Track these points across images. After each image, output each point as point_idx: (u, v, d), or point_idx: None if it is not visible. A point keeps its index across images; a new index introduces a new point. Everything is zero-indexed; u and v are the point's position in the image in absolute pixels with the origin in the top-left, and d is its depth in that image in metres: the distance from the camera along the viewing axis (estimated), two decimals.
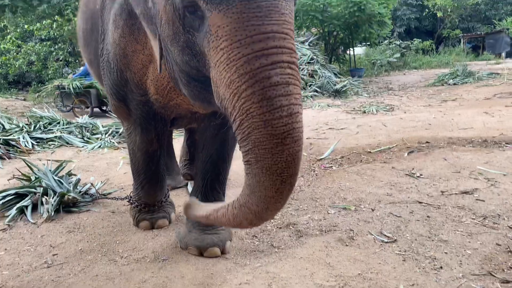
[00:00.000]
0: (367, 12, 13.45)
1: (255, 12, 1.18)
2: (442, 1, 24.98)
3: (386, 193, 2.92)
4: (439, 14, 25.84)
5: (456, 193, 2.84)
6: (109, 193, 3.18)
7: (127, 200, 2.59)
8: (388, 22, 14.77)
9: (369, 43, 16.91)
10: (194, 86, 1.50)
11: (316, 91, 10.22)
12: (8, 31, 17.29)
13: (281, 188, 1.22)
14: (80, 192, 3.05)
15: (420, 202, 2.72)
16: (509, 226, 2.29)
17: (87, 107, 8.73)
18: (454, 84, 10.82)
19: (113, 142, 5.13)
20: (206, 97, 1.49)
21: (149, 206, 2.50)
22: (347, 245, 2.19)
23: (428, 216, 2.49)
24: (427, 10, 26.70)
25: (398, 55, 18.25)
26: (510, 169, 3.26)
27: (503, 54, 22.19)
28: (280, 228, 2.47)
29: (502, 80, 10.09)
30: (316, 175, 3.54)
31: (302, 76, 10.96)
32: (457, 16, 26.50)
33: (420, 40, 22.44)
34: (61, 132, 5.49)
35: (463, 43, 25.88)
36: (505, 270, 1.89)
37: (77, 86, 8.57)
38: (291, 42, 1.23)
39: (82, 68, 10.36)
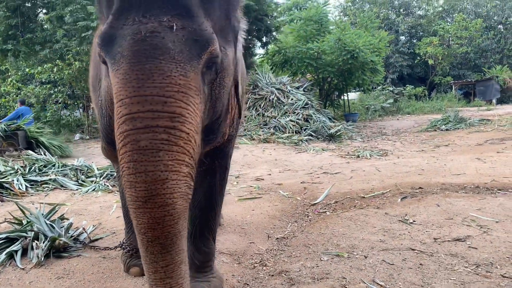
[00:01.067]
0: (360, 60, 13.89)
1: (137, 74, 1.22)
2: (433, 50, 25.90)
3: (379, 240, 2.91)
4: (430, 62, 26.71)
5: (449, 240, 2.83)
6: (101, 238, 3.15)
7: (119, 246, 2.56)
8: (380, 69, 15.24)
9: (362, 89, 17.33)
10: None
11: (311, 135, 10.36)
12: (9, 74, 17.63)
13: (150, 249, 1.25)
14: (71, 236, 3.02)
15: (413, 249, 2.71)
16: (502, 275, 2.28)
17: (16, 150, 8.72)
18: (447, 129, 11.01)
19: (107, 185, 5.13)
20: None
21: None
22: None
23: (421, 264, 2.48)
24: (418, 58, 27.61)
25: (391, 100, 18.68)
26: (502, 216, 3.27)
27: (494, 101, 22.74)
28: (272, 275, 2.45)
29: (493, 127, 10.29)
30: (309, 220, 3.54)
31: (297, 120, 11.14)
32: (448, 63, 27.38)
33: (413, 86, 23.06)
34: (56, 175, 5.49)
35: (455, 89, 26.57)
36: None
37: (4, 129, 8.67)
38: (176, 105, 1.24)
39: (12, 112, 10.76)
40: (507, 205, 3.51)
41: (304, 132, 10.59)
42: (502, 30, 29.38)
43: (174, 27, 1.27)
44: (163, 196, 1.20)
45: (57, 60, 13.85)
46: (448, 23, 28.84)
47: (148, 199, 1.19)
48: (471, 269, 2.37)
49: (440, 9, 31.58)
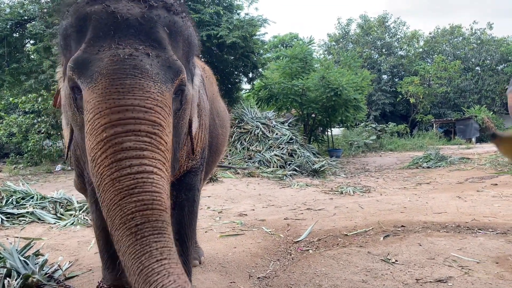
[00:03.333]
0: (343, 97, 14.20)
1: (117, 88, 1.29)
2: (414, 89, 26.69)
3: (361, 280, 2.88)
4: (412, 100, 27.46)
5: (431, 281, 2.82)
6: (77, 276, 3.04)
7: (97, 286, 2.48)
8: (363, 107, 15.57)
9: (346, 125, 17.63)
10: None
11: (295, 170, 10.38)
12: None
13: (141, 232, 1.17)
14: (46, 274, 2.91)
15: None
16: None
17: None
18: (428, 167, 11.18)
19: (87, 220, 5.00)
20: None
21: None
22: None
23: None
24: (400, 96, 28.37)
25: (374, 137, 18.98)
26: (483, 256, 3.29)
27: (473, 139, 23.34)
28: None
29: (473, 165, 10.49)
30: (292, 258, 3.50)
31: (282, 154, 11.20)
32: (429, 102, 28.19)
33: (395, 123, 23.56)
34: (33, 208, 5.34)
35: (436, 127, 27.23)
36: None
37: None
38: (155, 116, 1.30)
39: None
40: (487, 245, 3.54)
41: (288, 167, 10.62)
42: (480, 71, 30.57)
43: (150, 54, 1.37)
44: (150, 184, 1.21)
45: (42, 90, 13.79)
46: (429, 64, 29.90)
47: (135, 186, 1.19)
48: None
49: (421, 50, 32.81)
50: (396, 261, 3.27)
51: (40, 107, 14.88)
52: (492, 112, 26.01)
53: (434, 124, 27.69)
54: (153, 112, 1.30)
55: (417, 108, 28.39)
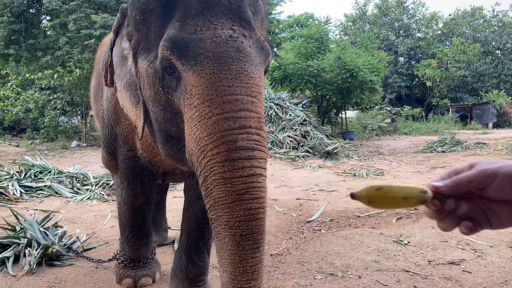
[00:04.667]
0: (359, 79, 14.02)
1: (226, 74, 1.28)
2: (431, 72, 26.19)
3: (373, 260, 2.91)
4: (428, 84, 26.98)
5: (443, 263, 2.83)
6: (94, 248, 3.13)
7: (113, 258, 2.55)
8: (379, 89, 15.38)
9: (360, 107, 17.45)
10: (172, 144, 1.55)
11: (308, 151, 10.37)
12: (9, 78, 17.66)
13: (242, 244, 1.23)
14: (65, 245, 2.99)
15: (407, 271, 2.70)
16: None
17: None
18: (443, 151, 11.06)
19: (103, 194, 5.11)
20: (180, 156, 1.53)
21: (134, 261, 2.46)
22: None
23: (414, 286, 2.47)
24: (417, 79, 27.90)
25: (388, 120, 18.79)
26: (496, 240, 3.28)
27: (490, 125, 22.93)
28: None
29: (489, 150, 10.35)
30: (304, 237, 3.53)
31: (295, 136, 11.18)
32: (446, 86, 27.67)
33: (410, 107, 23.25)
34: (51, 182, 5.46)
35: (452, 112, 26.78)
36: None
37: None
38: (259, 106, 1.31)
39: None
40: (502, 230, 3.52)
41: (301, 148, 10.60)
42: (500, 55, 29.82)
43: (246, 35, 1.35)
44: (258, 189, 1.25)
45: (58, 67, 13.89)
46: (447, 46, 29.27)
47: (246, 191, 1.23)
48: None
49: (439, 32, 32.08)
50: (409, 242, 3.28)
51: (56, 84, 15.02)
52: (511, 97, 25.44)
53: (450, 109, 27.24)
54: (257, 101, 1.31)
55: (433, 92, 27.93)
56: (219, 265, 1.31)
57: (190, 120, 1.32)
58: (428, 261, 2.88)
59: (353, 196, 0.78)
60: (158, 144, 1.64)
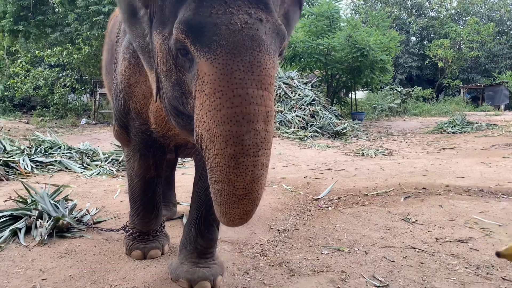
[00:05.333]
0: (370, 58, 13.82)
1: (238, 66, 1.27)
2: (443, 52, 25.70)
3: (380, 237, 2.92)
4: (440, 64, 26.53)
5: (450, 241, 2.83)
6: (104, 221, 3.17)
7: (122, 229, 2.59)
8: (390, 69, 15.16)
9: (370, 88, 17.25)
10: (182, 118, 1.56)
11: (317, 131, 10.33)
12: (18, 55, 17.70)
13: (232, 224, 1.41)
14: (75, 217, 3.04)
15: (414, 248, 2.71)
16: (502, 277, 2.28)
17: None
18: (453, 132, 10.95)
19: (112, 170, 5.16)
20: (191, 129, 1.53)
21: (143, 234, 2.50)
22: (339, 287, 2.17)
23: (421, 263, 2.48)
24: (428, 60, 27.43)
25: (398, 101, 18.58)
26: (505, 220, 3.26)
27: (502, 107, 22.57)
28: (273, 266, 2.46)
29: (500, 132, 10.22)
30: (311, 214, 3.54)
31: (304, 116, 11.12)
32: (458, 67, 27.18)
33: (421, 88, 22.93)
34: (61, 157, 5.53)
35: (463, 93, 26.39)
36: None
37: None
38: (269, 99, 1.32)
39: None
40: (511, 210, 3.50)
41: (309, 128, 10.56)
42: None
43: (262, 20, 1.32)
44: (256, 192, 1.33)
45: (67, 44, 13.87)
46: (460, 26, 28.61)
47: (245, 196, 1.32)
48: (472, 270, 2.37)
49: (453, 11, 31.30)
50: (416, 221, 3.28)
51: (65, 61, 15.01)
52: None
53: (461, 90, 26.81)
54: (268, 93, 1.31)
55: (445, 73, 27.46)
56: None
57: (200, 107, 1.34)
58: (436, 238, 2.88)
59: (498, 254, 0.79)
60: (170, 116, 1.64)
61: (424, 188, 4.33)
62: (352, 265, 2.45)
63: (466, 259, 2.53)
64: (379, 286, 2.18)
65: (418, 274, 2.33)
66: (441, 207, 3.63)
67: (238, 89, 1.26)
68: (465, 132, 10.84)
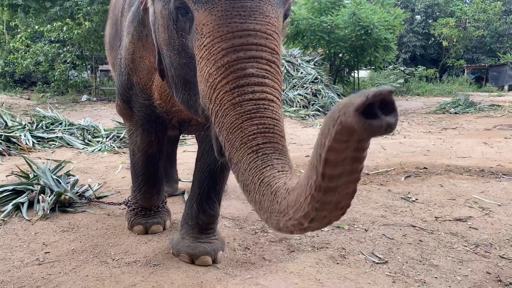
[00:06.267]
0: (374, 36, 13.63)
1: (239, 11, 1.23)
2: (448, 31, 25.35)
3: (380, 215, 2.94)
4: (444, 44, 26.20)
5: (450, 220, 2.85)
6: (106, 196, 3.19)
7: (124, 203, 2.61)
8: (393, 47, 14.96)
9: (373, 67, 17.08)
10: (188, 89, 1.52)
11: (319, 110, 10.30)
12: (18, 30, 17.50)
13: (262, 151, 1.13)
14: (77, 192, 3.06)
15: (414, 226, 2.73)
16: (500, 256, 2.30)
17: None
18: (455, 113, 10.90)
19: (114, 146, 5.16)
20: (194, 104, 1.51)
21: (145, 210, 2.51)
22: (338, 263, 2.20)
23: (420, 240, 2.50)
24: (433, 39, 27.08)
25: (401, 80, 18.43)
26: (505, 199, 3.28)
27: (506, 87, 22.36)
28: (273, 242, 2.48)
29: (503, 113, 10.17)
30: None
31: (306, 94, 11.05)
32: (462, 46, 26.86)
33: (425, 67, 22.69)
34: (62, 133, 5.53)
35: (467, 73, 26.12)
36: None
37: None
38: (274, 44, 1.26)
39: None
40: (511, 190, 3.51)
41: (311, 107, 10.52)
42: None
43: None
44: (271, 111, 1.18)
45: (67, 19, 13.69)
46: (466, 5, 28.12)
47: (257, 111, 1.17)
48: (470, 248, 2.40)
49: None
50: (416, 200, 3.30)
51: (65, 37, 14.86)
52: None
53: (465, 70, 26.54)
54: (273, 39, 1.26)
55: (449, 52, 27.15)
56: (247, 195, 1.17)
57: (200, 61, 1.29)
58: (435, 217, 2.90)
59: None
60: (174, 90, 1.62)
61: (425, 168, 4.34)
62: (352, 242, 2.48)
63: (465, 237, 2.55)
64: (378, 263, 2.21)
65: (416, 252, 2.35)
66: (442, 186, 3.64)
67: (239, 31, 1.22)
68: (467, 112, 10.79)
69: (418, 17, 29.84)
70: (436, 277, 2.06)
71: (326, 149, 0.79)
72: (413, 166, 4.41)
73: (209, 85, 1.24)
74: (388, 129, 0.69)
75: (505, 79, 23.19)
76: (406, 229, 2.68)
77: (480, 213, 2.98)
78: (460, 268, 2.16)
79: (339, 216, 0.94)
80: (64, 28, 14.44)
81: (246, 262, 2.22)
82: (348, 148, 0.79)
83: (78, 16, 13.20)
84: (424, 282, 2.01)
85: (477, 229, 2.69)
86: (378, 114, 0.69)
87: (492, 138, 6.46)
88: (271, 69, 1.23)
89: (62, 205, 2.86)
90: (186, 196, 3.22)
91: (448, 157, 4.94)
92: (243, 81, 1.18)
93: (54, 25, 14.58)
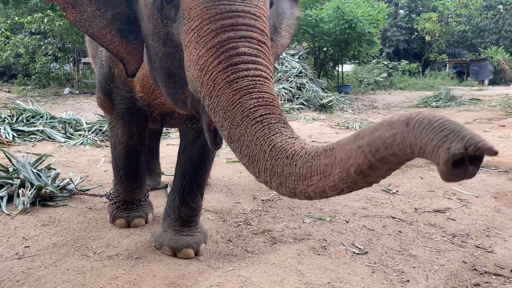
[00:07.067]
0: (358, 31, 13.73)
1: None
2: (431, 26, 25.65)
3: (361, 207, 2.98)
4: (427, 38, 26.51)
5: (429, 211, 2.91)
6: (88, 190, 3.16)
7: (106, 196, 2.59)
8: (377, 41, 15.09)
9: (357, 61, 17.21)
10: (173, 81, 1.51)
11: (303, 104, 10.33)
12: None
13: (265, 122, 1.12)
14: (58, 186, 3.02)
15: (394, 218, 2.78)
16: (476, 245, 2.37)
17: None
18: (437, 107, 11.08)
19: (96, 140, 5.11)
20: (180, 96, 1.50)
21: (127, 203, 2.50)
22: (319, 254, 2.23)
23: (400, 231, 2.56)
24: (416, 33, 27.38)
25: (385, 74, 18.60)
26: (482, 191, 3.36)
27: (486, 82, 22.81)
28: (256, 234, 2.50)
29: (483, 106, 10.38)
30: None
31: (290, 88, 11.07)
32: (445, 41, 27.22)
33: (408, 62, 22.93)
34: (43, 126, 5.44)
35: (449, 67, 26.52)
36: (468, 287, 1.95)
37: None
38: (263, 26, 1.26)
39: None
40: (488, 182, 3.60)
41: (296, 100, 10.54)
42: (502, 10, 29.10)
43: None
44: (267, 87, 1.18)
45: (48, 10, 13.41)
46: (449, 0, 28.46)
47: (254, 87, 1.16)
48: (448, 239, 2.46)
49: None
50: (397, 191, 3.36)
51: (46, 28, 14.53)
52: (509, 54, 25.10)
53: (447, 64, 26.95)
54: (261, 21, 1.26)
55: (432, 47, 27.50)
56: (249, 166, 1.15)
57: (188, 45, 1.28)
58: (415, 209, 2.96)
59: None
60: (160, 82, 1.60)
61: None
62: (333, 233, 2.51)
63: (443, 228, 2.62)
64: (358, 254, 2.25)
65: (396, 242, 2.40)
66: (422, 178, 3.71)
67: (228, 13, 1.22)
68: (449, 106, 10.98)
69: (401, 11, 30.11)
70: (414, 267, 2.11)
71: (391, 153, 0.82)
72: None
73: (200, 67, 1.24)
74: (466, 178, 0.72)
75: (485, 74, 23.63)
76: (386, 221, 2.73)
77: (458, 205, 3.05)
78: (437, 258, 2.21)
79: (364, 187, 0.97)
80: (45, 20, 14.11)
81: (228, 255, 2.23)
82: (405, 157, 0.83)
83: (59, 7, 12.94)
84: (403, 272, 2.06)
85: (454, 220, 2.75)
86: (466, 162, 0.70)
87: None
88: (263, 49, 1.23)
89: (42, 199, 2.83)
90: (169, 190, 3.22)
91: None
92: (236, 59, 1.18)
93: (34, 16, 14.22)
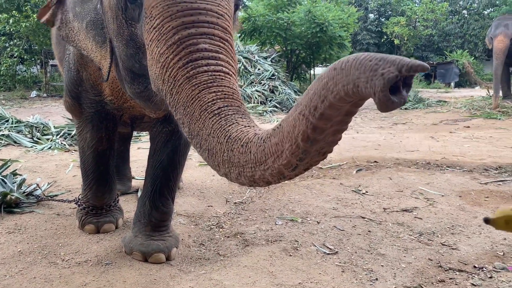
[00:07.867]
0: (329, 34, 13.91)
1: None
2: (399, 30, 26.32)
3: (332, 208, 3.03)
4: (396, 42, 27.19)
5: (397, 211, 2.99)
6: (56, 195, 3.09)
7: (75, 202, 2.54)
8: (347, 45, 15.32)
9: (329, 64, 17.44)
10: (138, 83, 1.51)
11: (276, 106, 10.40)
12: None
13: (223, 115, 1.12)
14: (24, 192, 2.94)
15: (363, 218, 2.84)
16: (441, 243, 2.45)
17: None
18: (406, 108, 11.33)
19: (64, 144, 4.99)
20: (148, 95, 1.50)
21: (97, 209, 2.46)
22: (290, 255, 2.26)
23: (369, 231, 2.61)
24: (385, 37, 28.04)
25: None
26: (448, 190, 3.47)
27: (452, 84, 23.55)
28: (228, 237, 2.51)
29: (449, 108, 10.71)
30: (268, 187, 3.61)
31: (263, 91, 11.13)
32: (413, 44, 27.97)
33: None
34: (9, 131, 5.27)
35: None
36: (434, 283, 2.01)
37: None
38: (226, 24, 1.26)
39: None
40: (453, 181, 3.73)
41: (269, 103, 10.60)
42: (466, 15, 30.20)
43: None
44: (228, 81, 1.17)
45: (14, 11, 13.00)
46: (416, 4, 29.29)
47: (214, 81, 1.15)
48: (415, 237, 2.53)
49: None
50: (367, 192, 3.43)
51: (11, 30, 14.09)
52: (473, 58, 26.04)
53: None
54: (224, 19, 1.25)
55: (401, 50, 28.19)
56: (208, 158, 1.15)
57: (150, 43, 1.27)
58: (384, 208, 3.03)
59: (487, 221, 0.76)
60: (125, 83, 1.59)
61: (375, 161, 4.51)
62: (304, 234, 2.55)
63: (410, 227, 2.69)
64: (328, 254, 2.29)
65: (365, 242, 2.45)
66: (391, 179, 3.81)
67: (190, 10, 1.22)
68: (417, 108, 11.26)
69: (371, 15, 30.78)
70: (382, 265, 2.16)
71: (328, 104, 0.79)
72: (365, 160, 4.57)
73: (161, 65, 1.23)
74: (402, 105, 0.71)
75: (451, 76, 24.39)
76: (356, 221, 2.79)
77: (425, 204, 3.14)
78: (405, 256, 2.27)
79: (320, 161, 0.95)
80: (11, 21, 13.69)
81: (200, 258, 2.23)
82: (345, 107, 0.80)
83: (26, 8, 12.57)
84: (371, 271, 2.11)
85: (421, 218, 2.84)
86: (401, 89, 0.70)
87: (439, 132, 6.81)
88: (225, 46, 1.23)
89: (8, 206, 2.75)
90: (139, 194, 3.18)
91: (398, 151, 5.16)
92: (197, 55, 1.18)
93: None
